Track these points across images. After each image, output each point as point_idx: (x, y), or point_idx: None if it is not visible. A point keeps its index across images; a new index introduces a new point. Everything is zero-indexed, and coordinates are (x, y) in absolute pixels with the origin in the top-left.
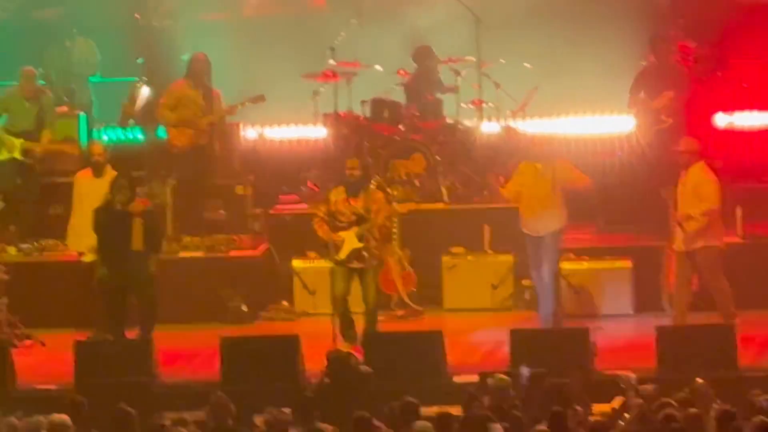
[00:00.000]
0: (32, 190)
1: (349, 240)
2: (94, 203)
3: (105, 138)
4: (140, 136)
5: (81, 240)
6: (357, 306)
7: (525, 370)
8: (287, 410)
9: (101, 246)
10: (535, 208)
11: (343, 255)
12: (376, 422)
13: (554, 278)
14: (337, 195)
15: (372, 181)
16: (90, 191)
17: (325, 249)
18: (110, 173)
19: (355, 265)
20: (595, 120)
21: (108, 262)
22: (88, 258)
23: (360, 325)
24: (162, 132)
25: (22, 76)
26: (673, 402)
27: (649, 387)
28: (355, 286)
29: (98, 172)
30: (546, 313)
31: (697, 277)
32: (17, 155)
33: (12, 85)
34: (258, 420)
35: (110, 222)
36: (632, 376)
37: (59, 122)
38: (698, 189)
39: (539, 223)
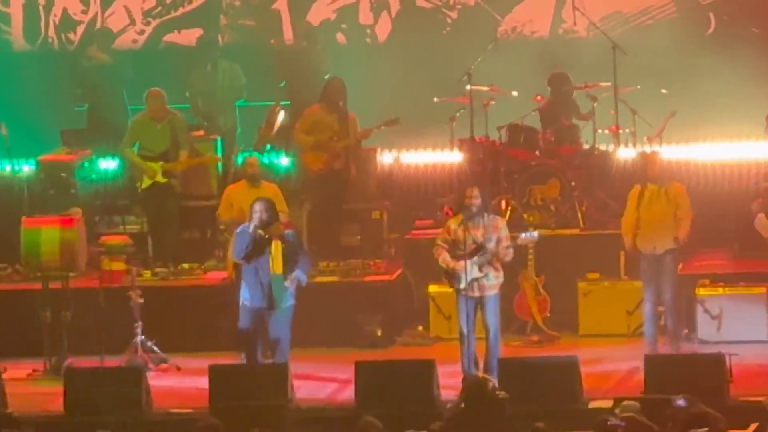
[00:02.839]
0: (173, 212)
1: (470, 269)
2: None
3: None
4: (276, 161)
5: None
6: (480, 332)
7: (682, 401)
8: None
9: (241, 268)
10: (652, 227)
11: (463, 284)
12: None
13: (675, 300)
14: (457, 223)
15: (503, 202)
16: (246, 201)
17: (448, 277)
18: (266, 185)
19: (476, 293)
20: (733, 146)
21: (247, 284)
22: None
23: (482, 351)
24: (298, 156)
25: (149, 97)
26: None
27: None
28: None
29: (253, 183)
30: (652, 334)
31: None
32: (159, 179)
33: (133, 109)
34: None
35: (250, 246)
36: None
37: (197, 146)
38: None
39: (658, 241)
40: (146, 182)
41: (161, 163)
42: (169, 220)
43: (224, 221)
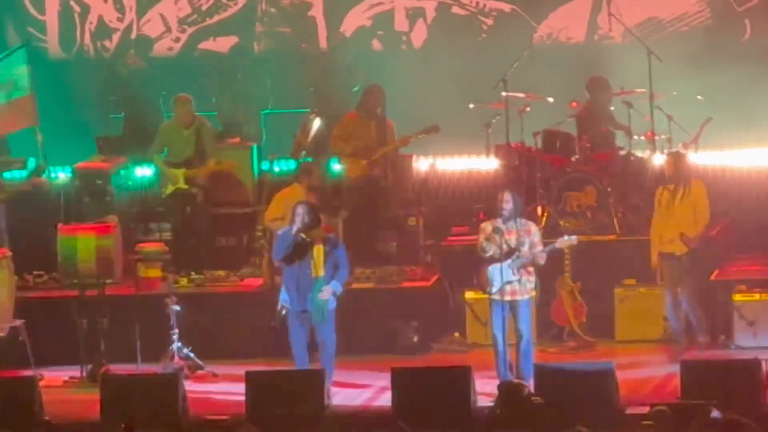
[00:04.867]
0: (201, 221)
1: (504, 272)
2: None
3: (276, 169)
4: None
5: None
6: (512, 337)
7: (716, 413)
8: None
9: (283, 272)
10: (671, 228)
11: (496, 287)
12: None
13: (692, 303)
14: (491, 227)
15: (538, 208)
16: None
17: (481, 281)
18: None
19: (508, 297)
20: None
21: (288, 288)
22: None
23: (514, 357)
24: (334, 163)
25: (177, 103)
26: None
27: None
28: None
29: (311, 190)
30: (678, 333)
31: None
32: (181, 186)
33: (169, 117)
34: None
35: (291, 248)
36: None
37: (232, 153)
38: None
39: (676, 243)
40: (169, 189)
41: (183, 170)
42: (193, 227)
43: (269, 227)
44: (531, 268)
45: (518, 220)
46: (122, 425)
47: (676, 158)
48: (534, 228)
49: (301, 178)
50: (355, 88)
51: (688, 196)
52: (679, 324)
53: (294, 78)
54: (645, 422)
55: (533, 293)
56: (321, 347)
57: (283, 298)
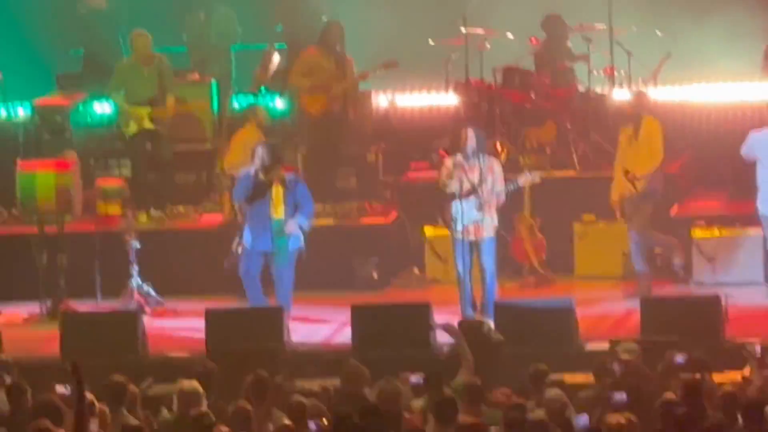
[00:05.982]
0: (164, 157)
1: (466, 211)
2: None
3: (236, 105)
4: (272, 104)
5: None
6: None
7: (680, 357)
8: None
9: (243, 213)
10: (629, 167)
11: (460, 226)
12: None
13: (651, 237)
14: (453, 163)
15: (498, 144)
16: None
17: (446, 219)
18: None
19: (472, 236)
20: (729, 87)
21: (250, 228)
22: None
23: (479, 293)
24: (294, 99)
25: (135, 39)
26: None
27: None
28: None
29: (262, 130)
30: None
31: None
32: (147, 125)
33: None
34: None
35: (251, 190)
36: (758, 345)
37: (191, 89)
38: None
39: (627, 183)
40: (132, 127)
41: (149, 110)
42: (154, 163)
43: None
44: (493, 206)
45: (481, 156)
46: (67, 366)
47: (638, 97)
48: (497, 166)
49: (249, 118)
50: (324, 18)
51: (642, 135)
52: (641, 263)
53: (259, 13)
54: (625, 355)
55: (495, 231)
56: (277, 283)
57: (246, 239)
